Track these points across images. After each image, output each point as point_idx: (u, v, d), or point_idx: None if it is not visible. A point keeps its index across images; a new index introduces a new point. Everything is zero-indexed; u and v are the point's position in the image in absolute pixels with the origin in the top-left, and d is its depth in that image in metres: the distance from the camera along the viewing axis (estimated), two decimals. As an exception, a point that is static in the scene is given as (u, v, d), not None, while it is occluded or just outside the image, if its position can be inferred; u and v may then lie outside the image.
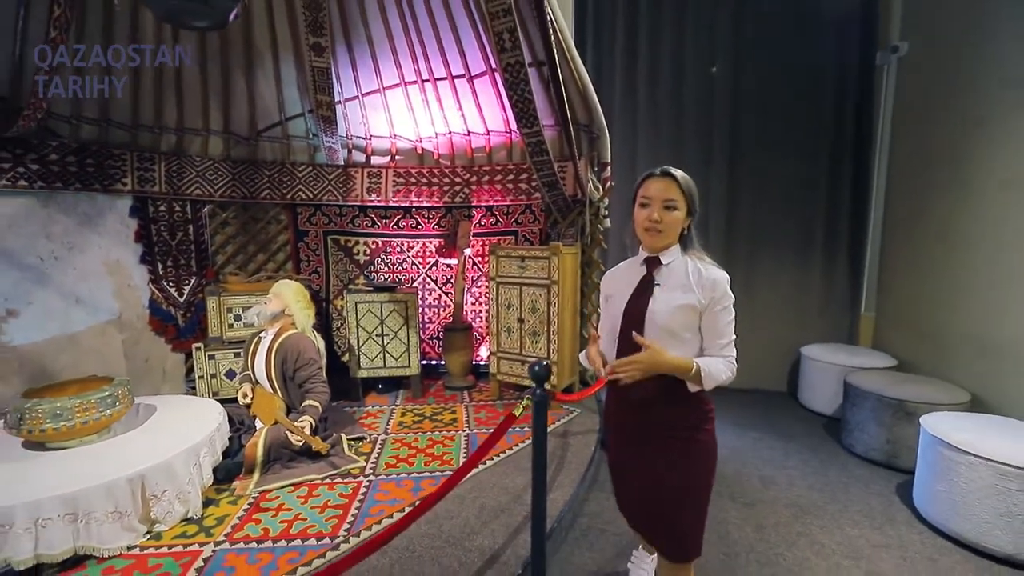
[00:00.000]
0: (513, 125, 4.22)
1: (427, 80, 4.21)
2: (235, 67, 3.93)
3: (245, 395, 3.10)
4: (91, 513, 2.10)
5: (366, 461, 3.03)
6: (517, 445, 3.26)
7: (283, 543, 2.27)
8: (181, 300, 4.11)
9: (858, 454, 3.43)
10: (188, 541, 2.29)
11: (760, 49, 4.43)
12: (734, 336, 1.49)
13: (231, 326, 3.89)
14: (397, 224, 4.67)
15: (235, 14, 1.98)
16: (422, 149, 4.59)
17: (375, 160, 4.59)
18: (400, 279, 4.65)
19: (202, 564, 2.14)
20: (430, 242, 4.68)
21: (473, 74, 4.12)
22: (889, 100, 4.28)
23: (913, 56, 4.05)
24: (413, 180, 4.59)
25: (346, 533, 2.33)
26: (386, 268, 4.66)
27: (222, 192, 4.20)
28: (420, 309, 4.60)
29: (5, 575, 1.99)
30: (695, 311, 1.45)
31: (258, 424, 3.05)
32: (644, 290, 1.52)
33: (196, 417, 2.81)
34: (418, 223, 4.67)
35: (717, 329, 1.47)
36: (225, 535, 2.33)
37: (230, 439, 2.89)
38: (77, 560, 2.12)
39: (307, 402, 2.96)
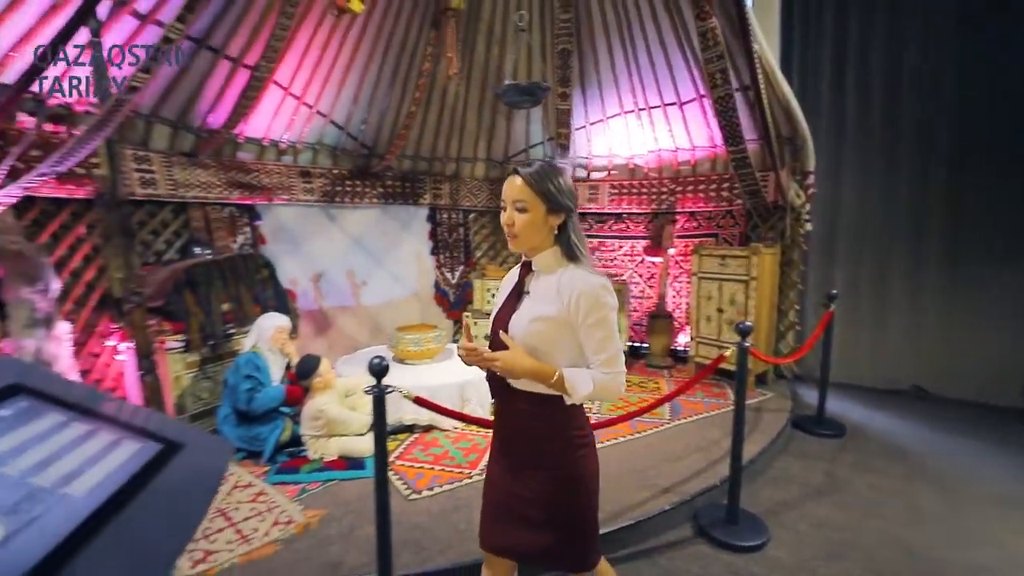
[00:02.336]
0: (718, 140, 4.82)
1: (643, 109, 5.07)
2: (499, 113, 5.33)
3: (506, 349, 4.36)
4: (438, 400, 3.47)
5: (592, 404, 4.03)
6: (713, 411, 3.92)
7: (545, 441, 3.37)
8: (453, 282, 5.68)
9: (1100, 470, 3.24)
10: (487, 431, 3.54)
11: (984, 54, 4.23)
12: (619, 347, 1.36)
13: (488, 301, 5.29)
14: (610, 227, 5.63)
15: (546, 96, 3.13)
16: (634, 164, 5.47)
17: (594, 175, 5.63)
18: (612, 273, 5.59)
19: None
20: (637, 243, 5.53)
21: (683, 101, 4.85)
22: None
23: None
24: (625, 190, 5.50)
25: (587, 442, 3.34)
26: (600, 264, 5.66)
27: (483, 203, 5.68)
28: (627, 298, 5.47)
29: (398, 426, 3.45)
30: (557, 324, 1.33)
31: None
32: (514, 299, 1.43)
33: (481, 357, 4.14)
34: (628, 226, 5.56)
35: (593, 343, 1.33)
36: (507, 431, 3.53)
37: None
38: (427, 428, 3.52)
39: (552, 355, 4.08)
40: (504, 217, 1.37)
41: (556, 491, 1.39)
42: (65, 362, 2.82)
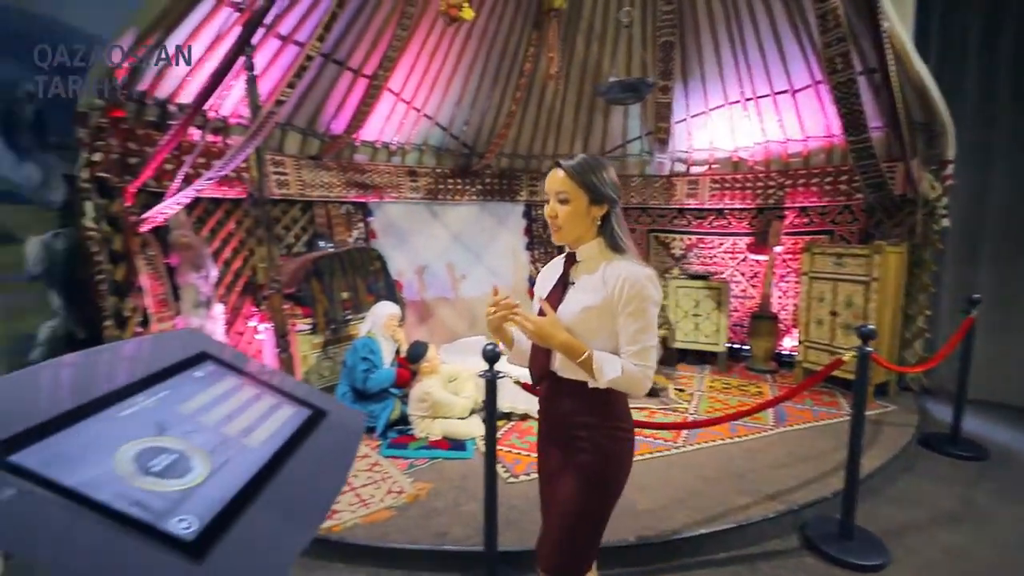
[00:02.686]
0: (835, 129, 4.44)
1: (750, 99, 4.81)
2: (597, 109, 5.33)
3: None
4: (517, 378, 3.59)
5: (688, 404, 3.93)
6: (823, 420, 3.66)
7: (639, 438, 3.33)
8: (546, 277, 5.79)
9: None
10: (579, 424, 3.59)
11: None
12: (653, 343, 1.35)
13: (581, 298, 5.32)
14: (710, 224, 5.42)
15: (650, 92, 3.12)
16: (738, 157, 5.21)
17: (694, 169, 5.44)
18: (711, 271, 5.38)
19: (592, 437, 3.39)
20: (739, 240, 5.27)
21: (796, 88, 4.53)
22: None
23: None
24: (728, 185, 5.26)
25: (683, 442, 3.28)
26: (698, 261, 5.46)
27: (577, 200, 5.71)
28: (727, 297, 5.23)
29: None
30: (600, 312, 1.34)
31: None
32: (559, 290, 1.45)
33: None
34: (729, 223, 5.32)
35: (627, 333, 1.33)
36: (600, 426, 3.55)
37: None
38: (523, 416, 3.64)
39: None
40: (547, 209, 1.40)
41: (586, 481, 1.39)
42: (219, 339, 3.29)
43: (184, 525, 1.03)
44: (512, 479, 2.82)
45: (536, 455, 1.60)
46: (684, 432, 3.38)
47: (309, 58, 2.84)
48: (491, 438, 1.99)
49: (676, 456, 3.12)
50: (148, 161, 2.71)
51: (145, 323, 2.85)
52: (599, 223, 1.39)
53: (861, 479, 2.53)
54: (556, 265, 1.52)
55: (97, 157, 2.62)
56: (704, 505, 2.58)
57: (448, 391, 3.43)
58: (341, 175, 4.45)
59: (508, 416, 3.63)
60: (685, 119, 5.24)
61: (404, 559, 2.26)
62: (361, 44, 3.92)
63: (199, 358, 1.64)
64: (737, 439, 3.36)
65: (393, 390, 3.46)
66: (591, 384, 1.35)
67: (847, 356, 2.36)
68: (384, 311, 3.56)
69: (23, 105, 2.69)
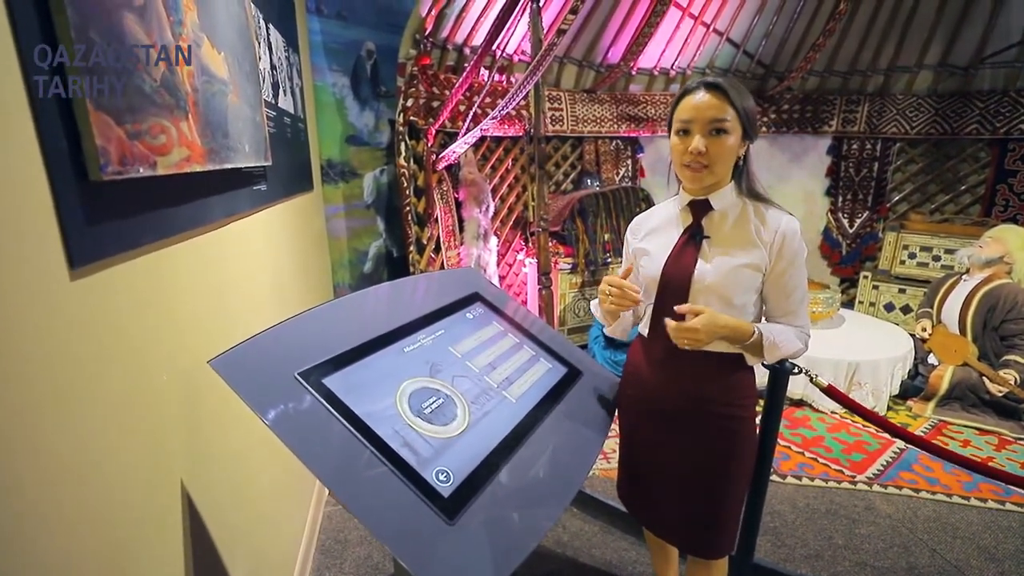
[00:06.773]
0: None
1: None
2: (983, -8, 3.68)
3: (924, 329, 3.27)
4: (817, 375, 2.92)
5: (1071, 444, 2.66)
6: None
7: (979, 475, 2.41)
8: (850, 231, 4.59)
9: None
10: (879, 429, 2.80)
11: None
12: (807, 299, 1.21)
13: (903, 263, 4.06)
14: None
15: None
16: None
17: None
18: None
19: (896, 452, 2.60)
20: None
21: None
22: None
23: None
24: None
25: (1064, 497, 2.24)
26: None
27: (918, 130, 4.21)
28: None
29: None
30: (754, 272, 1.16)
31: (931, 359, 3.19)
32: (688, 244, 1.22)
33: (887, 336, 3.25)
34: None
35: (784, 291, 1.18)
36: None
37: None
38: (797, 402, 3.04)
39: (1012, 356, 2.83)
40: (693, 143, 1.12)
41: (730, 461, 1.27)
42: (492, 269, 3.61)
43: (443, 477, 1.06)
44: (777, 477, 2.38)
45: (622, 427, 1.48)
46: (1068, 483, 2.29)
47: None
48: (771, 429, 1.60)
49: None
50: (446, 103, 2.97)
51: (437, 250, 3.28)
52: (738, 162, 1.20)
53: None
54: (662, 215, 1.32)
55: (409, 103, 2.98)
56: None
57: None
58: (614, 108, 4.21)
59: (778, 397, 3.07)
60: None
61: (635, 529, 2.14)
62: (650, -47, 3.46)
63: (472, 298, 1.73)
64: None
65: (645, 343, 3.28)
66: (750, 361, 1.23)
67: None
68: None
69: (364, 62, 3.23)
